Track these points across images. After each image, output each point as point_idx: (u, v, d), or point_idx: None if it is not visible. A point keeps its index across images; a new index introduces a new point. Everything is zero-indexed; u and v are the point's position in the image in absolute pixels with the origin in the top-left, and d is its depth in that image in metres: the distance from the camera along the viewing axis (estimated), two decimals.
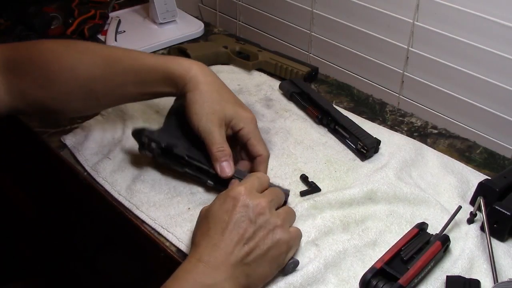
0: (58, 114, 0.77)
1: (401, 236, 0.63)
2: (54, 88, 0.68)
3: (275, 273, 0.59)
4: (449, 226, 0.67)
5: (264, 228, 0.57)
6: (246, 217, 0.57)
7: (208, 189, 0.73)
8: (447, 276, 0.60)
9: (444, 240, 0.62)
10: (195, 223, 0.67)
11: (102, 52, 0.71)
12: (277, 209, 0.61)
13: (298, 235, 0.61)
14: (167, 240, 0.66)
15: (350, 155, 0.80)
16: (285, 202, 0.65)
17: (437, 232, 0.64)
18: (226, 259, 0.55)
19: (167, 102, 0.75)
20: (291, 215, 0.62)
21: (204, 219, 0.59)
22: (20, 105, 0.69)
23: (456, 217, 0.69)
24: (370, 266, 0.59)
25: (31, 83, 0.68)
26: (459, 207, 0.68)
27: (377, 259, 0.60)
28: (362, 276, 0.58)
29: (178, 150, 0.68)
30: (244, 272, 0.56)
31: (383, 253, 0.63)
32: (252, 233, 0.56)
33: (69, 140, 0.80)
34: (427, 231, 0.65)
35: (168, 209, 0.69)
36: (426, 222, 0.67)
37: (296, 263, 0.60)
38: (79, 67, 0.68)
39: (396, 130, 0.86)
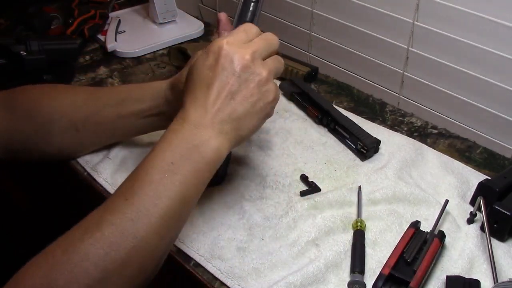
0: (38, 151, 0.74)
1: (401, 236, 0.64)
2: (37, 118, 0.70)
3: (264, 122, 0.59)
4: (449, 226, 0.67)
5: (250, 81, 0.55)
6: (230, 72, 0.54)
7: (207, 188, 0.72)
8: (447, 276, 0.60)
9: (441, 237, 0.63)
10: (194, 222, 0.67)
11: (87, 87, 0.75)
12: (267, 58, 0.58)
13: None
14: None
15: (350, 155, 0.80)
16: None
17: (431, 229, 0.65)
18: (213, 117, 0.54)
19: None
20: (279, 64, 0.60)
21: (189, 76, 0.57)
22: (2, 140, 0.70)
23: (456, 217, 0.69)
24: (378, 274, 0.59)
25: (17, 116, 0.70)
26: (446, 201, 0.69)
27: (383, 265, 0.60)
28: (373, 286, 0.58)
29: None
30: (233, 126, 0.55)
31: (383, 252, 0.64)
32: (237, 87, 0.55)
33: None
34: (421, 228, 0.66)
35: None
36: (424, 221, 0.67)
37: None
38: (61, 97, 0.72)
39: (396, 130, 0.86)
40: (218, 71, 0.54)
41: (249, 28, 0.58)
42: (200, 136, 0.53)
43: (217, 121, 0.54)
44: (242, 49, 0.55)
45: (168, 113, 0.69)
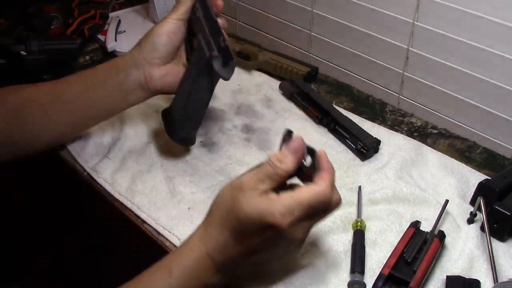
0: (13, 144, 0.73)
1: (401, 236, 0.64)
2: (7, 110, 0.71)
3: None
4: (449, 226, 0.67)
5: (285, 251, 0.55)
6: (275, 249, 0.54)
7: (208, 188, 0.73)
8: (447, 276, 0.60)
9: (441, 237, 0.63)
10: (195, 222, 0.67)
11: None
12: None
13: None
14: (168, 240, 0.66)
15: (350, 155, 0.80)
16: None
17: (431, 229, 0.65)
18: (236, 270, 0.56)
19: (166, 103, 0.75)
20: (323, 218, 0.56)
21: (235, 216, 0.52)
22: None
23: (456, 217, 0.69)
24: (378, 274, 0.59)
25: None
26: (446, 201, 0.69)
27: (383, 265, 0.60)
28: (373, 286, 0.58)
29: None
30: (245, 270, 0.57)
31: (383, 252, 0.63)
32: (269, 254, 0.55)
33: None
34: (421, 228, 0.66)
35: (168, 209, 0.70)
36: (424, 221, 0.67)
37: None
38: (27, 87, 0.73)
39: (396, 130, 0.86)
40: (267, 244, 0.52)
41: (316, 205, 0.52)
42: (216, 278, 0.54)
43: (236, 272, 0.56)
44: (300, 230, 0.52)
45: (135, 76, 0.73)
